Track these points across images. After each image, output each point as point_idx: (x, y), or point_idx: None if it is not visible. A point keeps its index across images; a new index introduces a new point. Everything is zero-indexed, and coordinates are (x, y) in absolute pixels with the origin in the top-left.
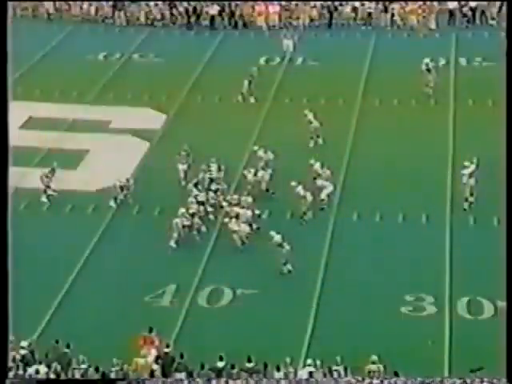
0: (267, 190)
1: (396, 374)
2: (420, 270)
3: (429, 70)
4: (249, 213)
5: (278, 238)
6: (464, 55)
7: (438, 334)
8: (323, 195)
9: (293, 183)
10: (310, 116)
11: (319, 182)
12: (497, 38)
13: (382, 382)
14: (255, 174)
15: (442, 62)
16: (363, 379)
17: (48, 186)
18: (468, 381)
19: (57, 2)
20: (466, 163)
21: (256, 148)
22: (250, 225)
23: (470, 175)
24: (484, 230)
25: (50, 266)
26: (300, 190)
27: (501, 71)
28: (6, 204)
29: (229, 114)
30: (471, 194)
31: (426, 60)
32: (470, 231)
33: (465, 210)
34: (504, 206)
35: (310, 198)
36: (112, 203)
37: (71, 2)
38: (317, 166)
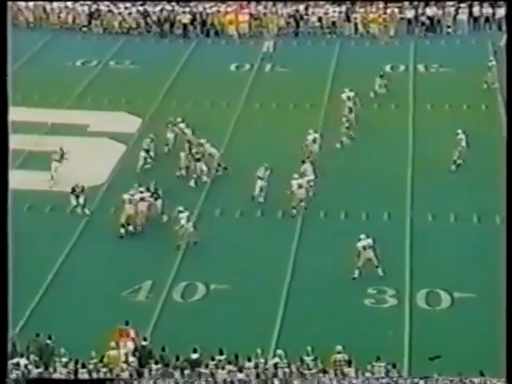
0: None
1: (387, 374)
2: (382, 265)
3: (489, 68)
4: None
5: (368, 241)
6: (422, 62)
7: (398, 324)
8: (304, 182)
9: (295, 175)
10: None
11: (305, 165)
12: (453, 46)
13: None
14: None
15: (402, 68)
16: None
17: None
18: (467, 381)
19: (35, 11)
20: (459, 130)
21: (203, 141)
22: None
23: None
24: (441, 226)
25: (28, 264)
26: (294, 184)
27: (457, 76)
28: (6, 205)
29: (201, 119)
30: (459, 157)
31: (491, 57)
32: (428, 228)
33: (453, 171)
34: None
35: (300, 195)
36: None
37: (49, 11)
38: (315, 147)
